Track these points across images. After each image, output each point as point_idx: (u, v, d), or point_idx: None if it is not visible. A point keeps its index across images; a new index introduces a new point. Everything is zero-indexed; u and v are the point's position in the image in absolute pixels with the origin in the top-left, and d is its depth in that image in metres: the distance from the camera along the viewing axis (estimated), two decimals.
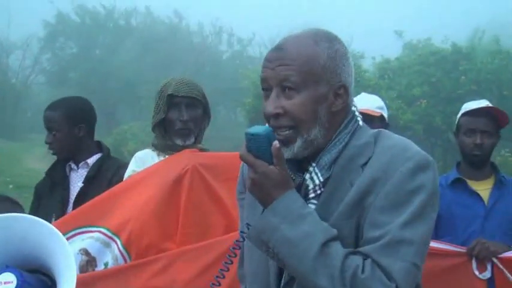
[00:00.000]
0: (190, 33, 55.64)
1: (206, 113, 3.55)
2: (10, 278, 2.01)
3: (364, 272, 1.73)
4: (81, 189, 3.74)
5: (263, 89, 1.97)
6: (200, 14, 54.68)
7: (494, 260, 3.42)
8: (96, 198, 3.22)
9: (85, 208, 3.23)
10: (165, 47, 52.60)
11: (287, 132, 1.90)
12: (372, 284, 1.72)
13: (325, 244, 1.77)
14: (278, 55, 1.93)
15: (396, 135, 2.00)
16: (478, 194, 3.71)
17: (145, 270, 2.95)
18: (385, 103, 4.17)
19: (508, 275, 3.38)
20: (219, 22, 55.76)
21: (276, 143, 1.82)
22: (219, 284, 2.06)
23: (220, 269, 2.04)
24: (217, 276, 2.05)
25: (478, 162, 3.75)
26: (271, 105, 1.91)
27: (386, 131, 2.04)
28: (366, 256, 1.77)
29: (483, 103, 3.81)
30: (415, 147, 1.93)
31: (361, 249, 1.80)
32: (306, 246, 1.76)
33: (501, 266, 3.40)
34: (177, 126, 3.39)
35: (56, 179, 3.89)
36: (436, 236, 3.64)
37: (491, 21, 42.42)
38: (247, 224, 1.94)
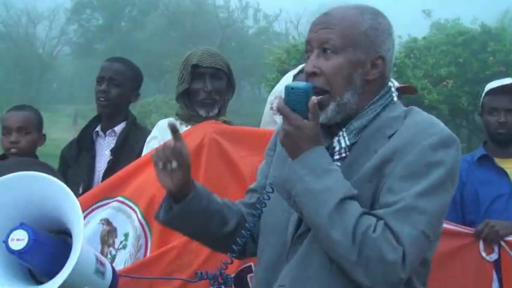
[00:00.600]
0: (216, 7, 55.57)
1: (231, 85, 3.52)
2: (22, 235, 2.04)
3: (375, 232, 1.80)
4: (110, 161, 3.73)
5: (306, 51, 2.08)
6: None
7: (502, 243, 3.39)
8: (118, 172, 3.24)
9: (107, 182, 3.26)
10: (191, 21, 52.65)
11: (321, 97, 1.97)
12: (381, 243, 1.79)
13: (343, 200, 1.84)
14: (324, 19, 2.05)
15: (426, 113, 2.06)
16: (504, 171, 3.68)
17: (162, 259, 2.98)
18: (411, 82, 4.18)
19: None
20: None
21: (314, 98, 1.91)
22: (235, 253, 2.17)
23: (243, 231, 2.16)
24: (235, 245, 2.17)
25: (503, 141, 3.72)
26: (310, 65, 2.02)
27: (418, 108, 2.10)
28: (379, 218, 1.84)
29: (506, 81, 3.76)
30: (442, 125, 2.00)
31: (375, 211, 1.87)
32: (325, 199, 1.84)
33: (508, 249, 3.38)
34: (200, 97, 3.36)
35: (84, 146, 3.89)
36: (462, 215, 3.63)
37: None
38: (274, 177, 2.04)
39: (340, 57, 1.98)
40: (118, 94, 3.83)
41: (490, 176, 3.68)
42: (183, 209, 2.10)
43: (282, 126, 1.95)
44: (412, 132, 1.94)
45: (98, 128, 3.89)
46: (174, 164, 2.05)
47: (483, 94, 3.83)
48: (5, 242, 2.03)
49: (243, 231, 2.15)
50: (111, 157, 3.72)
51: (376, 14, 2.08)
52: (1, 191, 2.15)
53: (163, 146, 2.10)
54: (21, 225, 2.07)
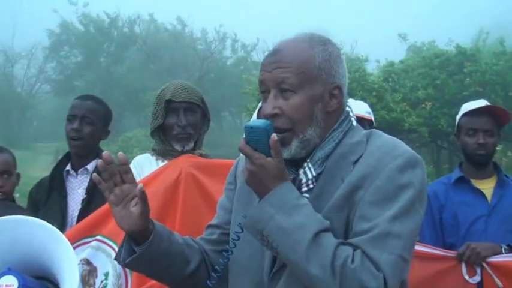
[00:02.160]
0: (194, 39, 55.77)
1: (205, 117, 3.52)
2: (12, 281, 2.04)
3: (353, 262, 1.79)
4: (85, 200, 3.69)
5: (261, 92, 2.06)
6: (203, 21, 54.92)
7: (484, 264, 3.40)
8: (96, 211, 3.22)
9: (85, 221, 3.23)
10: (169, 54, 52.85)
11: (283, 134, 1.96)
12: (361, 273, 1.78)
13: (318, 234, 1.83)
14: (275, 58, 2.02)
15: (387, 135, 2.08)
16: (481, 192, 3.69)
17: None
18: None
19: (496, 280, 3.36)
20: (222, 28, 55.91)
21: (274, 136, 1.90)
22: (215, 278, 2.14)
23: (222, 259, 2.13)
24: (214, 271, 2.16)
25: (481, 162, 3.73)
26: (269, 106, 1.99)
27: (378, 130, 2.12)
28: (355, 247, 1.84)
29: (482, 103, 3.79)
30: (405, 146, 2.00)
31: (351, 240, 1.86)
32: (299, 236, 1.83)
33: (490, 271, 3.39)
34: (175, 131, 3.36)
35: (55, 186, 3.81)
36: (443, 238, 3.63)
37: (495, 23, 42.43)
38: (244, 215, 1.99)
39: (299, 95, 1.97)
40: (90, 132, 3.79)
41: (468, 198, 3.69)
42: (144, 253, 2.05)
43: (245, 166, 1.94)
44: (376, 156, 1.94)
45: (68, 167, 3.82)
46: (134, 203, 2.03)
47: (459, 116, 3.85)
48: None
49: (220, 260, 2.12)
50: (85, 196, 3.68)
51: (324, 42, 2.07)
52: None
53: (118, 187, 2.05)
54: (9, 271, 2.07)
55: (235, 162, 2.35)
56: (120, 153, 2.06)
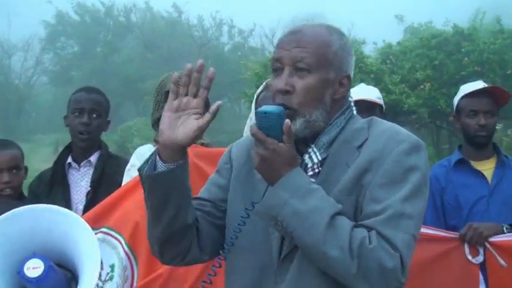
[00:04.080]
0: (190, 26, 55.71)
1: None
2: (38, 263, 2.10)
3: (371, 243, 1.83)
4: (90, 193, 3.69)
5: (274, 69, 2.07)
6: (199, 7, 54.73)
7: (486, 244, 3.41)
8: (100, 203, 3.23)
9: (90, 213, 3.22)
10: (166, 42, 52.74)
11: (288, 111, 1.97)
12: (379, 253, 1.82)
13: (333, 217, 1.86)
14: (295, 37, 2.05)
15: (386, 121, 2.13)
16: (481, 173, 3.71)
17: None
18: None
19: (499, 259, 3.38)
20: (219, 14, 55.79)
21: (287, 121, 1.90)
22: (211, 282, 2.09)
23: (218, 257, 2.10)
24: (213, 266, 2.10)
25: (483, 143, 3.75)
26: (282, 82, 2.01)
27: (377, 118, 2.16)
28: (369, 228, 1.87)
29: (479, 84, 3.80)
30: (406, 131, 2.06)
31: (364, 222, 1.90)
32: (315, 219, 1.85)
33: (493, 251, 3.39)
34: None
35: (57, 179, 3.81)
36: (445, 221, 3.65)
37: (492, 2, 42.25)
38: (252, 202, 1.98)
39: (313, 76, 2.00)
40: (99, 125, 3.81)
41: (468, 180, 3.70)
42: (169, 172, 1.97)
43: (256, 152, 1.93)
44: (382, 141, 1.99)
45: (70, 160, 3.83)
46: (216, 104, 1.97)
47: (458, 98, 3.86)
48: (20, 271, 2.08)
49: (231, 233, 2.07)
50: (90, 189, 3.69)
51: (341, 34, 2.13)
52: (12, 224, 2.19)
53: (187, 97, 1.98)
54: (34, 255, 2.13)
55: (229, 147, 2.36)
56: (211, 68, 2.01)
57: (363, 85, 4.41)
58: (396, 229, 1.85)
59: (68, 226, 2.24)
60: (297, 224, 1.86)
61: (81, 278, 2.20)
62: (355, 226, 1.88)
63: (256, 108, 3.51)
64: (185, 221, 2.07)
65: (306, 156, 2.04)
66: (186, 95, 1.99)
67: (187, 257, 2.16)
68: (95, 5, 55.92)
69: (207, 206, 2.22)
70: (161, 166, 1.99)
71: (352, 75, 2.13)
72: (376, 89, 4.34)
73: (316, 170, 2.03)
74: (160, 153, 2.00)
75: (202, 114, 1.98)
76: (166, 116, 1.99)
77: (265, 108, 1.92)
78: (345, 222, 1.87)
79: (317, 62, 2.00)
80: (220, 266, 2.10)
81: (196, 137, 1.98)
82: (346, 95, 2.12)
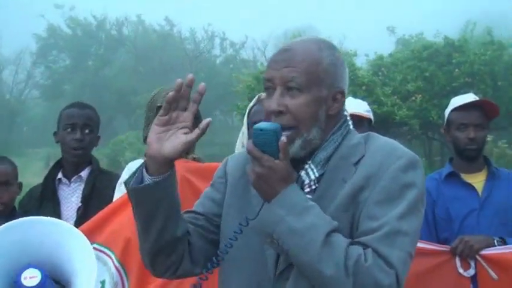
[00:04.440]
0: (182, 39, 55.79)
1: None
2: (34, 273, 2.12)
3: (367, 260, 1.82)
4: (81, 209, 3.68)
5: (266, 88, 2.07)
6: (191, 20, 54.88)
7: (478, 257, 3.42)
8: (91, 219, 3.22)
9: (80, 229, 3.20)
10: (158, 55, 52.78)
11: (288, 132, 1.97)
12: (374, 271, 1.81)
13: (329, 234, 1.85)
14: (285, 57, 2.04)
15: (384, 137, 2.12)
16: (472, 186, 3.71)
17: None
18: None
19: (491, 272, 3.38)
20: (210, 27, 55.92)
21: (283, 139, 1.90)
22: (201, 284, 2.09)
23: (210, 263, 2.08)
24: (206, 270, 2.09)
25: (472, 156, 3.76)
26: (274, 103, 2.01)
27: (374, 133, 2.16)
28: (365, 246, 1.86)
29: (470, 97, 3.82)
30: (403, 147, 2.05)
31: (360, 239, 1.89)
32: (311, 237, 1.84)
33: (484, 264, 3.40)
34: None
35: (48, 195, 3.78)
36: (436, 234, 3.65)
37: (482, 13, 42.56)
38: (247, 218, 1.98)
39: (305, 95, 2.00)
40: (91, 141, 3.80)
41: (459, 193, 3.70)
42: (155, 185, 1.98)
43: (252, 169, 1.93)
44: (379, 158, 1.99)
45: (60, 175, 3.81)
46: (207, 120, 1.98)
47: (448, 111, 3.87)
48: (17, 281, 2.09)
49: (222, 247, 2.07)
50: (81, 204, 3.68)
51: (332, 48, 2.12)
52: (7, 235, 2.20)
53: (177, 111, 2.00)
54: (29, 265, 2.14)
55: (225, 160, 2.36)
56: (202, 83, 2.02)
57: (351, 99, 4.41)
58: (392, 247, 1.85)
59: (59, 236, 2.24)
60: (293, 241, 1.86)
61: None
62: (351, 243, 1.87)
63: (248, 122, 3.53)
64: (174, 233, 2.07)
65: (303, 173, 2.04)
66: (176, 109, 2.00)
67: (178, 270, 2.16)
68: (87, 19, 55.96)
69: (200, 220, 2.22)
70: (148, 179, 2.00)
71: (346, 88, 2.12)
72: (364, 102, 4.35)
73: (313, 187, 2.03)
74: (147, 166, 2.01)
75: (192, 128, 2.00)
76: (154, 130, 2.00)
77: (261, 125, 1.92)
78: (340, 240, 1.86)
79: (308, 80, 2.00)
80: (206, 279, 2.07)
81: (184, 150, 1.99)
82: (341, 109, 2.12)
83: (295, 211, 1.87)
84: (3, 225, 2.24)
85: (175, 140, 1.98)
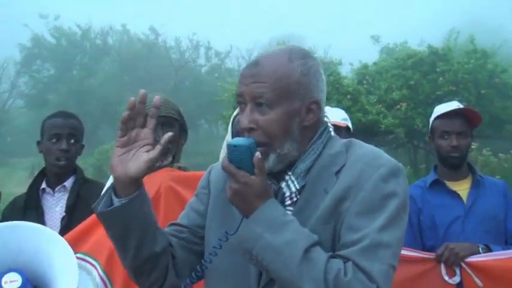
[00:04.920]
0: (167, 49, 55.68)
1: (183, 130, 3.51)
2: (15, 277, 2.11)
3: (346, 275, 1.79)
4: (65, 219, 3.65)
5: (238, 103, 2.05)
6: (176, 30, 54.82)
7: (463, 264, 3.43)
8: (75, 229, 3.19)
9: (65, 239, 3.19)
10: (143, 64, 52.71)
11: (260, 149, 1.94)
12: (355, 286, 1.78)
13: (308, 250, 1.82)
14: (253, 72, 2.00)
15: (366, 144, 2.08)
16: (457, 194, 3.73)
17: None
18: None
19: (476, 279, 3.39)
20: (195, 36, 55.88)
21: (258, 154, 1.88)
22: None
23: (195, 271, 2.08)
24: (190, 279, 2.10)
25: (456, 164, 3.77)
26: (245, 120, 1.98)
27: (357, 140, 2.12)
28: (345, 259, 1.84)
29: (454, 105, 3.85)
30: (386, 155, 2.02)
31: (340, 252, 1.86)
32: (290, 253, 1.81)
33: (469, 271, 3.41)
34: None
35: (31, 204, 3.75)
36: (422, 242, 3.66)
37: (465, 21, 42.88)
38: (226, 233, 1.97)
39: (275, 110, 1.96)
40: (76, 150, 3.78)
41: (444, 200, 3.72)
42: (124, 206, 1.97)
43: (228, 185, 1.92)
44: (360, 167, 1.95)
45: (44, 185, 3.79)
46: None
47: (432, 118, 3.89)
48: None
49: (202, 260, 2.07)
50: (65, 214, 3.65)
51: (305, 56, 2.05)
52: None
53: (136, 129, 1.99)
54: (10, 270, 2.13)
55: (208, 169, 2.35)
56: (156, 96, 2.00)
57: (327, 108, 4.44)
58: (373, 260, 1.82)
59: (40, 242, 2.23)
60: (271, 258, 1.83)
61: None
62: (332, 256, 1.85)
63: (232, 130, 3.52)
64: (152, 250, 2.06)
65: (284, 185, 2.02)
66: (134, 127, 1.99)
67: (164, 285, 2.14)
68: (71, 28, 55.72)
69: (183, 232, 2.22)
70: (116, 202, 1.99)
71: (323, 96, 2.08)
72: (341, 110, 4.36)
73: (295, 199, 2.00)
74: (115, 188, 2.00)
75: (153, 143, 1.99)
76: (116, 152, 1.99)
77: (235, 141, 1.91)
78: (320, 255, 1.83)
79: (277, 95, 1.96)
80: (198, 276, 2.08)
81: (149, 168, 1.98)
82: (319, 119, 2.07)
83: (273, 228, 1.85)
84: None
85: (139, 158, 1.97)
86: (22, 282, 2.10)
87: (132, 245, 2.03)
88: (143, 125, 2.00)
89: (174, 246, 2.16)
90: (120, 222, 1.99)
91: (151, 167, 1.99)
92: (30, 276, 2.25)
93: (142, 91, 1.95)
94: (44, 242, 2.23)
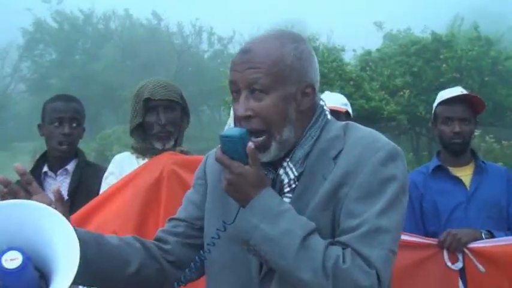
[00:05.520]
0: (170, 34, 55.62)
1: (185, 114, 3.50)
2: (15, 255, 2.04)
3: (345, 262, 1.78)
4: (68, 202, 3.64)
5: (232, 91, 2.01)
6: (179, 15, 54.72)
7: (465, 250, 3.42)
8: (77, 212, 3.18)
9: None
10: (146, 49, 52.62)
11: (261, 138, 1.93)
12: (354, 272, 1.77)
13: (305, 238, 1.81)
14: (246, 58, 1.97)
15: (364, 127, 2.05)
16: (459, 180, 3.72)
17: None
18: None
19: (478, 265, 3.39)
20: (198, 22, 55.78)
21: (250, 144, 1.86)
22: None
23: (188, 269, 2.07)
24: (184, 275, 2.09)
25: (458, 150, 3.75)
26: (241, 108, 1.95)
27: (354, 123, 2.10)
28: (344, 245, 1.82)
29: (457, 90, 3.81)
30: (384, 138, 1.99)
31: (339, 239, 1.85)
32: (286, 243, 1.80)
33: (471, 257, 3.41)
34: (155, 130, 3.32)
35: None
36: (424, 228, 3.66)
37: (469, 8, 42.74)
38: (224, 222, 1.96)
39: (271, 96, 1.93)
40: (78, 134, 3.76)
41: (446, 186, 3.70)
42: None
43: (223, 176, 1.91)
44: (358, 151, 1.93)
45: (46, 168, 3.77)
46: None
47: (435, 104, 3.87)
48: None
49: (201, 251, 2.06)
50: (67, 198, 3.64)
51: (296, 40, 2.02)
52: None
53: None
54: (10, 248, 2.09)
55: (204, 158, 2.33)
56: (16, 164, 2.00)
57: (327, 93, 4.42)
58: (372, 245, 1.81)
59: (39, 220, 2.20)
60: (269, 248, 1.82)
61: (55, 275, 2.17)
62: (331, 243, 1.84)
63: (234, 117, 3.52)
64: (126, 273, 2.05)
65: (282, 172, 1.99)
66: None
67: (167, 281, 2.15)
68: (74, 13, 55.62)
69: (181, 227, 2.22)
70: None
71: (317, 78, 2.05)
72: (341, 95, 4.34)
73: (293, 186, 1.98)
74: None
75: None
76: None
77: (227, 131, 1.90)
78: (318, 242, 1.82)
79: (272, 80, 1.92)
80: (190, 279, 2.09)
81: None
82: (314, 103, 2.04)
83: (269, 218, 1.83)
84: None
85: None
86: (22, 261, 2.09)
87: (106, 281, 2.04)
88: (32, 193, 2.03)
89: (172, 244, 2.16)
90: (78, 275, 1.84)
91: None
92: (30, 255, 2.24)
93: (18, 165, 2.02)
94: (45, 220, 2.21)
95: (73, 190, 3.65)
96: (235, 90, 1.99)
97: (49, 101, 3.84)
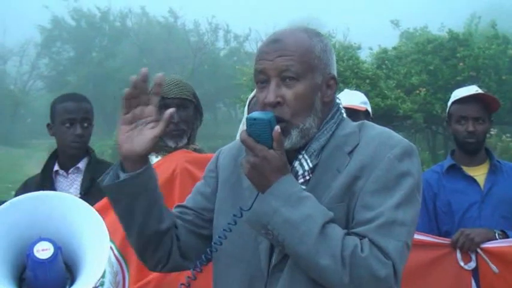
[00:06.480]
0: (186, 31, 55.66)
1: (198, 112, 3.51)
2: (47, 245, 2.11)
3: (363, 251, 1.81)
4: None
5: (258, 81, 2.05)
6: (195, 12, 54.70)
7: (478, 250, 3.42)
8: None
9: None
10: (162, 47, 52.71)
11: (281, 124, 1.94)
12: (371, 262, 1.80)
13: (325, 225, 1.84)
14: (276, 47, 2.01)
15: (378, 126, 2.10)
16: (473, 179, 3.71)
17: None
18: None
19: (492, 265, 3.39)
20: (214, 19, 55.74)
21: (277, 128, 1.89)
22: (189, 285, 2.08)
23: (199, 261, 2.08)
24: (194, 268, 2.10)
25: (472, 149, 3.75)
26: (272, 94, 1.98)
27: (369, 122, 2.14)
28: (361, 236, 1.86)
29: (472, 89, 3.80)
30: (398, 135, 2.04)
31: (356, 230, 1.89)
32: (307, 228, 1.83)
33: (485, 257, 3.41)
34: (168, 128, 3.32)
35: (47, 186, 3.69)
36: (437, 227, 3.65)
37: (487, 6, 42.39)
38: (241, 208, 1.98)
39: (301, 84, 1.98)
40: (89, 133, 3.77)
41: (460, 185, 3.70)
42: (130, 181, 1.99)
43: (246, 159, 1.92)
44: (373, 146, 1.97)
45: (57, 167, 3.78)
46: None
47: (450, 103, 3.86)
48: (30, 254, 2.08)
49: (216, 239, 2.08)
50: (80, 195, 3.66)
51: (320, 35, 2.10)
52: (15, 210, 2.21)
53: (140, 106, 2.00)
54: (41, 238, 2.13)
55: (217, 153, 2.35)
56: (159, 74, 2.02)
57: (346, 91, 4.39)
58: (388, 237, 1.84)
59: (67, 210, 2.24)
60: (288, 232, 1.84)
61: (82, 269, 2.20)
62: (347, 234, 1.86)
63: (248, 112, 3.52)
64: (157, 228, 2.08)
65: (297, 163, 2.02)
66: (138, 105, 2.00)
67: (168, 264, 2.18)
68: (91, 10, 55.80)
69: (189, 215, 2.23)
70: (122, 176, 2.01)
71: (335, 74, 2.11)
72: (361, 94, 4.29)
73: (307, 177, 2.01)
74: (122, 165, 2.02)
75: (157, 120, 2.00)
76: (122, 129, 2.01)
77: (255, 114, 1.91)
78: (336, 231, 1.85)
79: (303, 69, 1.98)
80: (200, 271, 2.09)
81: (155, 145, 2.00)
82: (334, 97, 2.11)
83: (290, 202, 1.86)
84: (10, 201, 2.24)
85: (143, 136, 1.99)
86: (54, 251, 2.12)
87: (137, 221, 2.05)
88: (147, 103, 2.01)
89: (179, 228, 2.18)
90: (126, 196, 2.01)
91: (157, 143, 2.02)
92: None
93: (144, 69, 1.98)
94: (73, 211, 2.25)
95: (86, 188, 3.66)
96: (263, 79, 2.02)
97: (58, 101, 3.84)
